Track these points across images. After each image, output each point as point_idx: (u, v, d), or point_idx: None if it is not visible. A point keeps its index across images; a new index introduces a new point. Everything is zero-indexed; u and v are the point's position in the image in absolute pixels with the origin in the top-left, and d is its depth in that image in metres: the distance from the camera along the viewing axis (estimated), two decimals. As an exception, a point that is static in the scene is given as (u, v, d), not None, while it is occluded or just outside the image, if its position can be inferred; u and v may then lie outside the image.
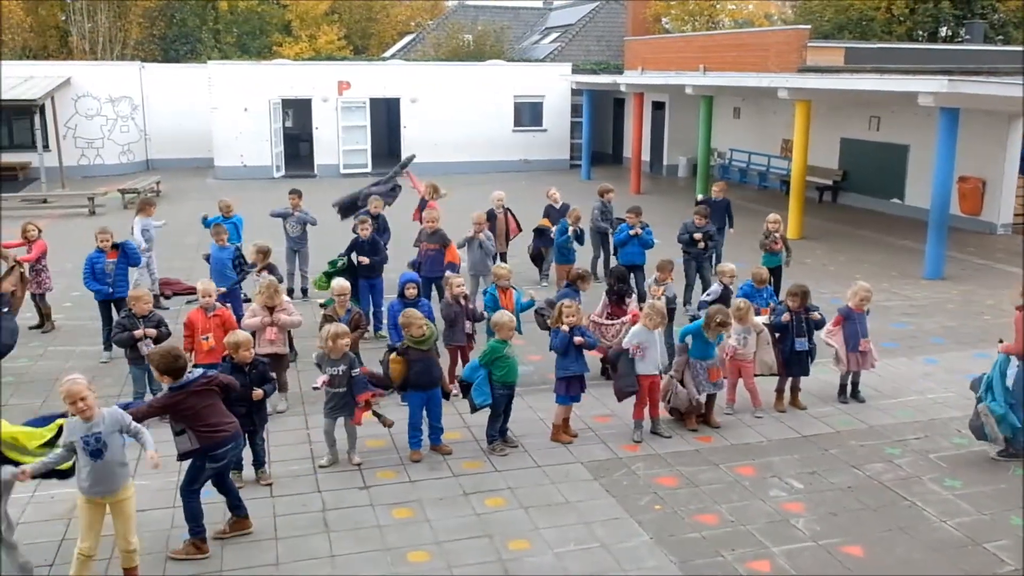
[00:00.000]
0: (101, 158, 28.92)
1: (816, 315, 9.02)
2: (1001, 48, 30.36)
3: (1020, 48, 28.39)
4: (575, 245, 13.28)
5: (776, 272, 12.47)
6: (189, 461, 6.38)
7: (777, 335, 9.05)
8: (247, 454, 7.35)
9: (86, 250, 11.02)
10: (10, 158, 27.02)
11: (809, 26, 26.68)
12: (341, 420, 7.71)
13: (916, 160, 20.30)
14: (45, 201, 22.72)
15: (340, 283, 9.33)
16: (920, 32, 38.66)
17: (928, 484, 7.47)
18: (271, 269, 10.69)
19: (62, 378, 5.68)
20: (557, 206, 14.35)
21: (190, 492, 6.34)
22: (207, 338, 8.38)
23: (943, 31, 39.17)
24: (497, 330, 7.98)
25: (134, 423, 5.81)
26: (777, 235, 12.32)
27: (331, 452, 7.77)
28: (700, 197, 15.35)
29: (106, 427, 5.66)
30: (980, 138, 18.26)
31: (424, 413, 7.93)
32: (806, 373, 9.12)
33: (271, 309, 8.83)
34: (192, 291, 13.05)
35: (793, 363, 9.00)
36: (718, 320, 8.34)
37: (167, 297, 13.13)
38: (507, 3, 44.03)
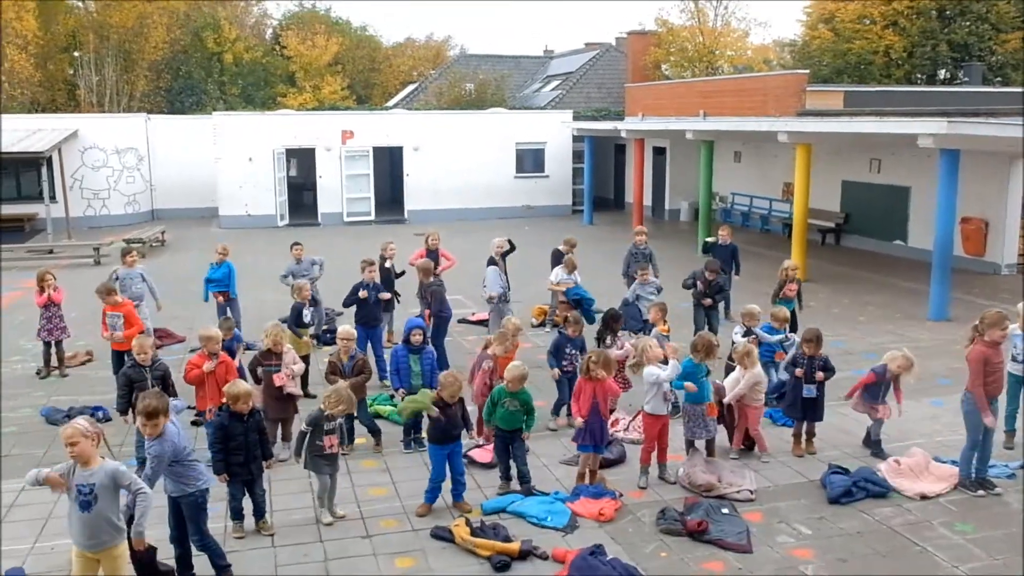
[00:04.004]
0: (107, 208, 29.15)
1: (820, 375, 8.87)
2: (1000, 89, 30.59)
3: (1019, 89, 28.61)
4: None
5: (792, 318, 12.44)
6: (191, 511, 6.41)
7: (791, 378, 9.05)
8: (247, 504, 7.30)
9: (91, 300, 11.03)
10: (17, 209, 27.22)
11: (808, 71, 26.96)
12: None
13: (918, 202, 20.36)
14: (51, 251, 22.84)
15: (346, 329, 9.38)
16: (918, 75, 39.07)
17: (939, 529, 7.36)
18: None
19: (66, 428, 5.61)
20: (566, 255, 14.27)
21: (206, 533, 6.51)
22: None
23: (941, 74, 39.59)
24: (509, 382, 7.95)
25: (136, 485, 5.63)
26: (794, 281, 12.29)
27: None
28: (709, 240, 15.23)
29: (100, 480, 5.54)
30: (981, 179, 18.32)
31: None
32: (819, 418, 9.05)
33: (277, 354, 8.87)
34: (180, 341, 13.50)
35: (804, 408, 8.94)
36: (705, 343, 8.39)
37: (158, 348, 13.15)
38: (508, 52, 44.65)
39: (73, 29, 42.18)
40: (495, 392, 8.07)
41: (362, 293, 11.51)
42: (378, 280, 11.90)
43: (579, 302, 12.44)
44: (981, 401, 7.79)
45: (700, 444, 8.71)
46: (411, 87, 44.61)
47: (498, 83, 38.74)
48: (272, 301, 14.68)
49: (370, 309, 11.61)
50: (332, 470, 7.61)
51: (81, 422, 5.62)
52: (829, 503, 7.81)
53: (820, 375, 8.86)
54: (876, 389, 8.93)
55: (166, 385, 8.58)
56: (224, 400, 7.27)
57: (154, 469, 6.22)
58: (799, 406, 8.96)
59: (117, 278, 12.65)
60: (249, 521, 7.36)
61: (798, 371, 8.94)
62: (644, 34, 37.73)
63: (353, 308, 11.76)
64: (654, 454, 8.34)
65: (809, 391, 8.86)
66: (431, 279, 12.09)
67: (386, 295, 12.04)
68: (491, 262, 13.56)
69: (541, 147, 31.14)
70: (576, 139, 30.71)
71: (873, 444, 9.06)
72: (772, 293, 12.48)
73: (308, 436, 7.44)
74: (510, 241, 14.22)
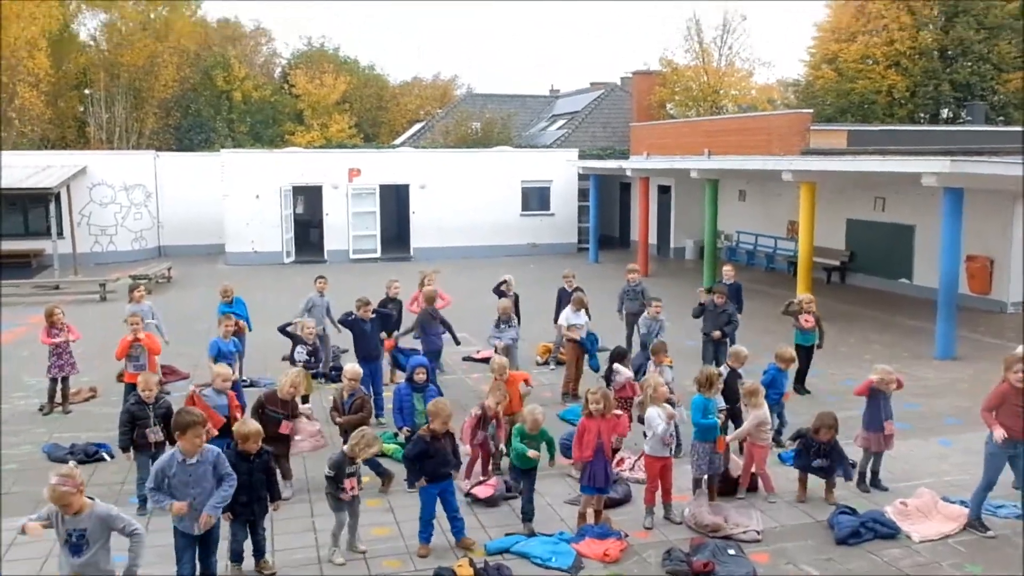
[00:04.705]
0: (114, 245, 29.30)
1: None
2: (1002, 128, 30.74)
3: (1021, 128, 28.76)
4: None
5: (807, 352, 12.42)
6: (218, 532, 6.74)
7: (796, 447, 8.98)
8: (247, 545, 7.21)
9: (96, 336, 11.07)
10: (24, 245, 27.36)
11: (811, 110, 27.14)
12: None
13: (923, 240, 20.36)
14: (57, 287, 22.92)
15: (352, 368, 9.37)
16: (922, 114, 39.29)
17: (947, 570, 7.26)
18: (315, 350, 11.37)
19: (51, 493, 5.48)
20: (570, 290, 14.28)
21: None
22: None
23: (944, 113, 39.82)
24: (524, 424, 8.03)
25: (131, 526, 5.56)
26: (809, 313, 12.32)
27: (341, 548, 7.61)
28: (703, 293, 15.06)
29: (92, 525, 5.46)
30: (986, 217, 18.32)
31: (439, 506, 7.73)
32: (831, 476, 8.81)
33: (290, 402, 8.85)
34: (184, 378, 13.47)
35: (814, 471, 8.81)
36: (717, 375, 8.52)
37: (161, 383, 13.16)
38: (514, 91, 45.04)
39: (84, 67, 42.78)
40: (517, 430, 8.11)
41: (365, 311, 11.72)
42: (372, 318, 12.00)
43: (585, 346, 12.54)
44: (987, 419, 7.77)
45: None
46: (418, 125, 44.99)
47: (504, 122, 39.06)
48: (278, 338, 14.65)
49: (369, 341, 11.64)
50: (352, 508, 7.57)
51: (56, 482, 5.41)
52: (837, 544, 7.72)
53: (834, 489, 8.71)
54: (876, 408, 8.90)
55: (168, 423, 8.54)
56: (233, 437, 7.23)
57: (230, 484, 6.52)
58: (808, 468, 8.83)
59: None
60: (248, 562, 7.27)
61: (817, 461, 8.69)
62: (649, 74, 38.07)
63: (352, 343, 11.85)
64: (658, 494, 8.27)
65: (818, 463, 8.69)
66: (427, 307, 12.37)
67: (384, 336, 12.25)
68: (501, 294, 13.72)
69: (547, 185, 31.31)
70: (581, 177, 30.88)
71: (859, 476, 9.03)
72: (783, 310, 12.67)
73: (333, 480, 7.36)
74: (517, 305, 14.13)
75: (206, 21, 50.07)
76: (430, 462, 7.57)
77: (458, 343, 13.38)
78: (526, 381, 10.07)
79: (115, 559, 5.75)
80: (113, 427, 9.81)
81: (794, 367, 11.00)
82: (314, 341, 11.87)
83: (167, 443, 8.52)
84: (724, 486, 8.79)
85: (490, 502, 8.63)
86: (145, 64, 42.12)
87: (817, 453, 8.66)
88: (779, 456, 9.71)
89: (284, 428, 8.72)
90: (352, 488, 7.41)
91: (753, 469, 8.91)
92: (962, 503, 8.31)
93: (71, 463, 5.82)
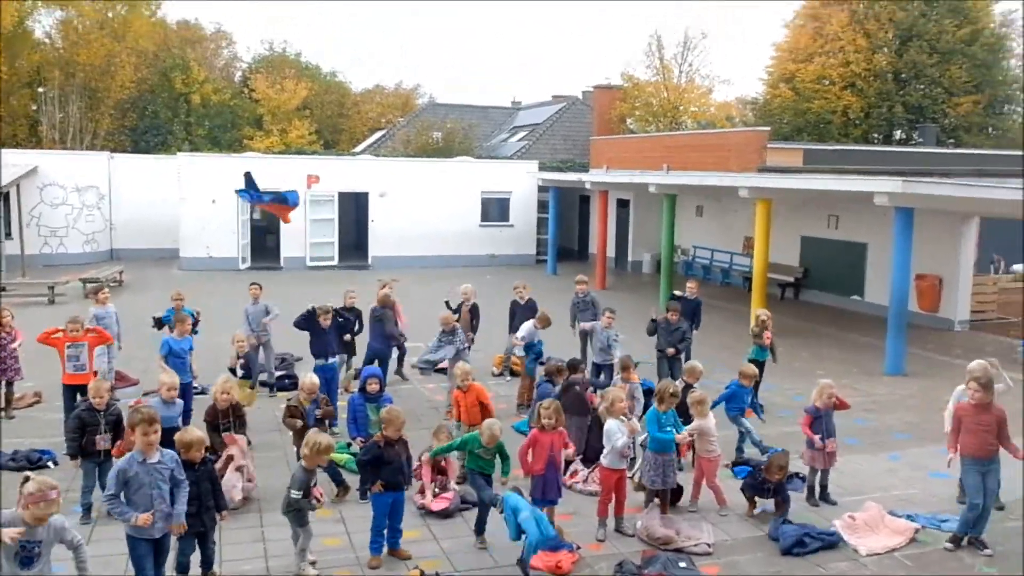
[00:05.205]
0: (64, 247, 28.69)
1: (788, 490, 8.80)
2: (953, 151, 31.46)
3: (971, 151, 29.49)
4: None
5: (760, 367, 12.59)
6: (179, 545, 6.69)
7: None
8: (195, 557, 7.05)
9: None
10: (-29, 246, 26.69)
11: (768, 128, 27.51)
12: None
13: (874, 258, 20.73)
14: (3, 289, 22.38)
15: (311, 380, 9.41)
16: (875, 135, 40.10)
17: (894, 584, 7.35)
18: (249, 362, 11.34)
19: (45, 508, 5.35)
20: (522, 302, 14.32)
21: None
22: None
23: (897, 134, 40.68)
24: (482, 436, 7.89)
25: (77, 538, 5.52)
26: (768, 329, 12.49)
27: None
28: (676, 293, 15.42)
29: (47, 536, 5.37)
30: (936, 237, 18.72)
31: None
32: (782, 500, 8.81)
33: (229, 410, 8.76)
34: (134, 384, 13.29)
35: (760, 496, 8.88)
36: (670, 391, 8.47)
37: (112, 389, 12.92)
38: (476, 102, 45.07)
39: (38, 65, 41.88)
40: (469, 438, 8.02)
41: (324, 319, 11.80)
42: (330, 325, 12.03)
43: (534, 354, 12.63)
44: (950, 440, 8.01)
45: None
46: (379, 134, 44.79)
47: (465, 132, 39.04)
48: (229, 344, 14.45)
49: (325, 338, 11.65)
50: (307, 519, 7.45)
51: (45, 495, 5.34)
52: (782, 554, 7.78)
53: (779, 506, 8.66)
54: (818, 427, 9.01)
55: (118, 431, 8.38)
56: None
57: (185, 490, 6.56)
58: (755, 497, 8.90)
59: (95, 318, 12.46)
60: (195, 572, 7.11)
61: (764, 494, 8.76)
62: (610, 88, 38.30)
63: (308, 340, 12.00)
64: (611, 506, 8.28)
65: (767, 495, 8.77)
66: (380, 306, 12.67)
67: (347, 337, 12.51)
68: (457, 310, 13.74)
69: (507, 196, 31.36)
70: (541, 189, 30.98)
71: (808, 490, 9.15)
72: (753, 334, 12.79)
73: (300, 499, 7.20)
74: (476, 316, 14.29)
75: (166, 22, 49.39)
76: (386, 468, 7.51)
77: (402, 352, 13.97)
78: (484, 405, 9.69)
79: (55, 568, 5.65)
80: (58, 433, 9.61)
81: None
82: (247, 351, 11.83)
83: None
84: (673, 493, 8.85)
85: (444, 514, 8.58)
86: (102, 64, 41.36)
87: (764, 488, 8.71)
88: (732, 471, 9.79)
89: (228, 439, 8.65)
90: (322, 495, 7.34)
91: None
92: (908, 517, 8.43)
93: (27, 472, 5.69)
